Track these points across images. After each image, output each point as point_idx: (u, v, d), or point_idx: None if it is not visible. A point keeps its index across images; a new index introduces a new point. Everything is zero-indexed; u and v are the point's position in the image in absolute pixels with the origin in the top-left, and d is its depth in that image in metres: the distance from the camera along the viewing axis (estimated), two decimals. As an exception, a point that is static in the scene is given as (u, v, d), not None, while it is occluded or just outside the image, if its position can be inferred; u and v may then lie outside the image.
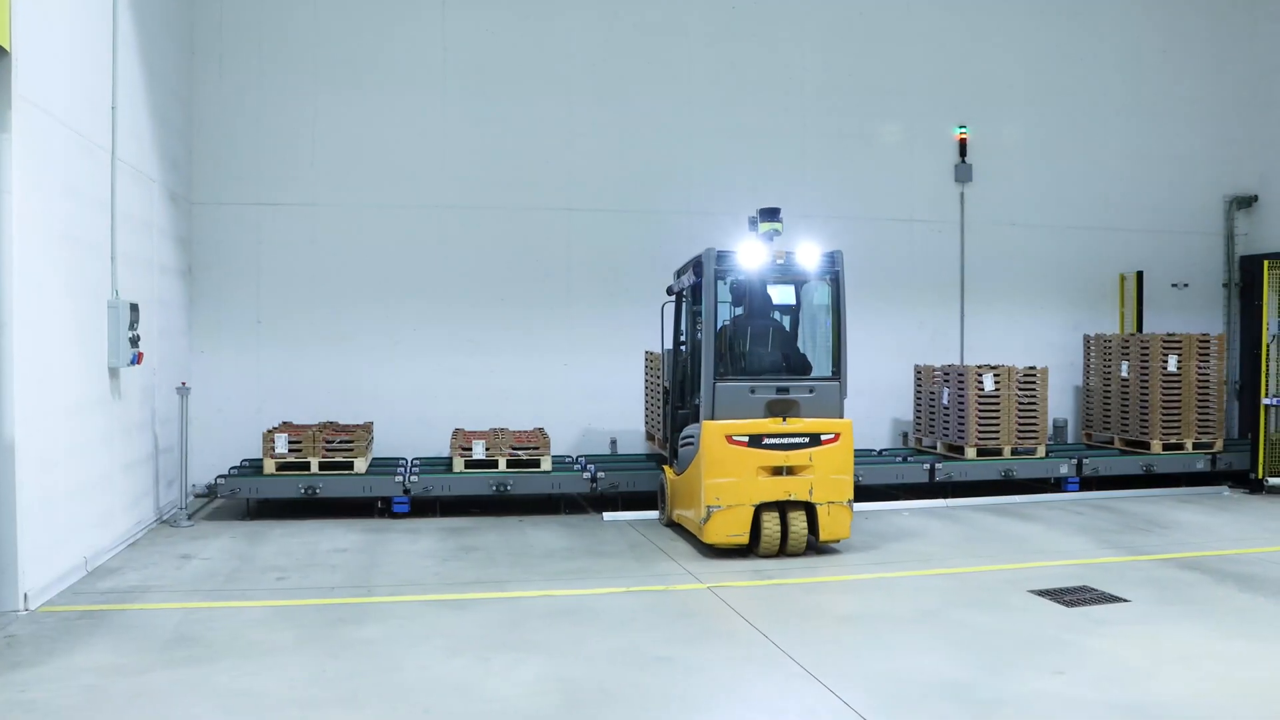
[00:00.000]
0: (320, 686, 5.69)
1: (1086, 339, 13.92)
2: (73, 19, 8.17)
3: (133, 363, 9.02)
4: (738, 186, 13.20)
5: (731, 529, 8.74)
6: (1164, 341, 12.81)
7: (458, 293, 12.58)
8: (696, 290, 9.39)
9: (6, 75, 6.89)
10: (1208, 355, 12.91)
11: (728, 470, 8.76)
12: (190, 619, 6.96)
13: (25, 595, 7.04)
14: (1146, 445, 12.75)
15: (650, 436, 12.09)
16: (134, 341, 8.99)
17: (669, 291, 10.29)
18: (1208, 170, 14.95)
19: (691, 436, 9.25)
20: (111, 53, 8.91)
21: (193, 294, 11.95)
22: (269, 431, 10.89)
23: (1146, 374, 12.86)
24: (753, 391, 8.96)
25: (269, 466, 10.68)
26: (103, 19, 8.82)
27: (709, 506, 8.74)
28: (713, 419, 8.89)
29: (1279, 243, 14.54)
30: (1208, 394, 12.87)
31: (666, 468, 10.14)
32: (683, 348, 10.00)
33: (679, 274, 10.05)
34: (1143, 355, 12.94)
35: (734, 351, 9.28)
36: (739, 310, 9.55)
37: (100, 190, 8.73)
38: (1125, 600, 7.46)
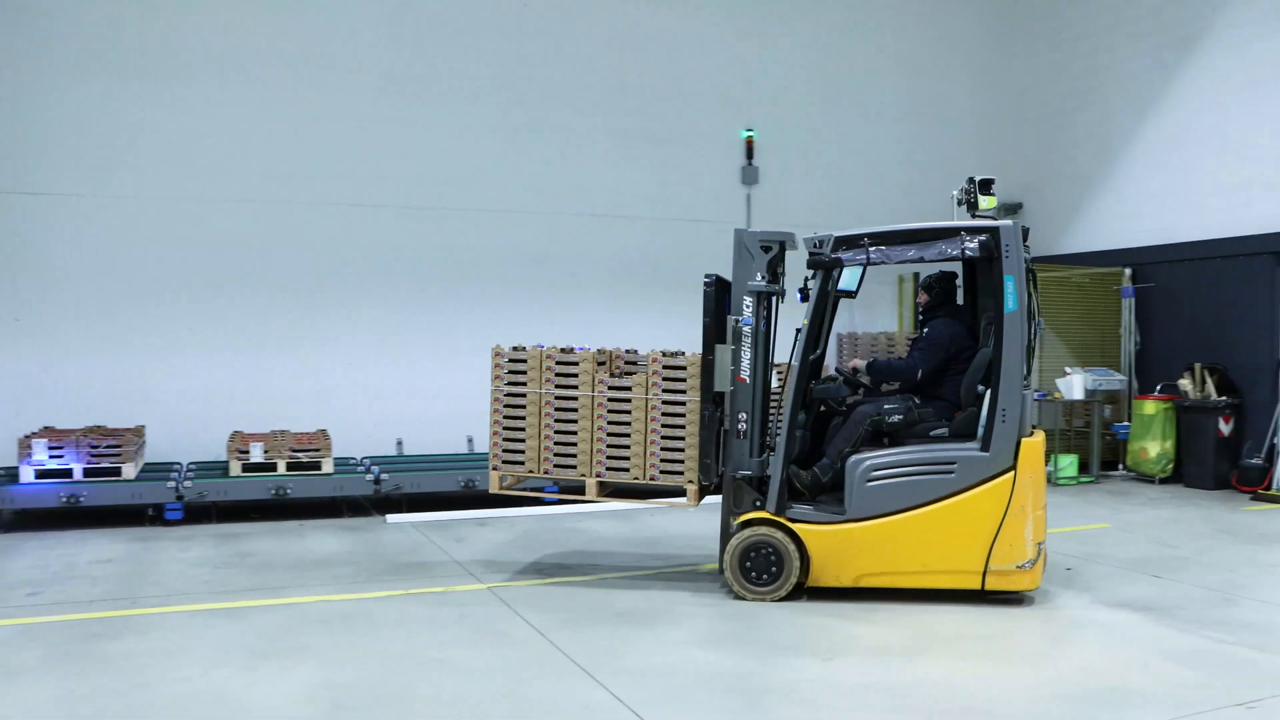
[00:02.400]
0: (64, 709, 5.33)
1: (838, 338, 14.21)
2: None
3: None
4: (528, 186, 13.20)
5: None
6: (910, 340, 13.35)
7: (238, 291, 12.07)
8: (982, 268, 7.80)
9: None
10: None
11: (1039, 503, 7.37)
12: (-77, 641, 6.43)
13: None
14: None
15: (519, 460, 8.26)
16: None
17: (820, 264, 7.55)
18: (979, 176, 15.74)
19: (930, 463, 7.24)
20: None
21: (-59, 289, 11.08)
22: (26, 437, 10.18)
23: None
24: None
25: (26, 474, 9.98)
26: None
27: (1038, 546, 7.27)
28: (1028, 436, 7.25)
29: (1041, 247, 15.45)
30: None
31: (748, 514, 7.42)
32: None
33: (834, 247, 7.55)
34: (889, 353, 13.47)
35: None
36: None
37: None
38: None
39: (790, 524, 7.26)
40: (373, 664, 6.01)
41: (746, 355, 7.41)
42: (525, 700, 5.48)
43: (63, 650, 6.23)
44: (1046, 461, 12.98)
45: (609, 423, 7.66)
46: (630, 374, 7.88)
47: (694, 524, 10.25)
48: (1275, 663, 6.10)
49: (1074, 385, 13.02)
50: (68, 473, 10.05)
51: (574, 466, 7.71)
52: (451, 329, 12.81)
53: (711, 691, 5.60)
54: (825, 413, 7.96)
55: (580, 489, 7.81)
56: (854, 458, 7.37)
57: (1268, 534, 10.02)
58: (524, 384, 7.79)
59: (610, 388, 7.68)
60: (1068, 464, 13.04)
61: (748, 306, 7.42)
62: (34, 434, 10.29)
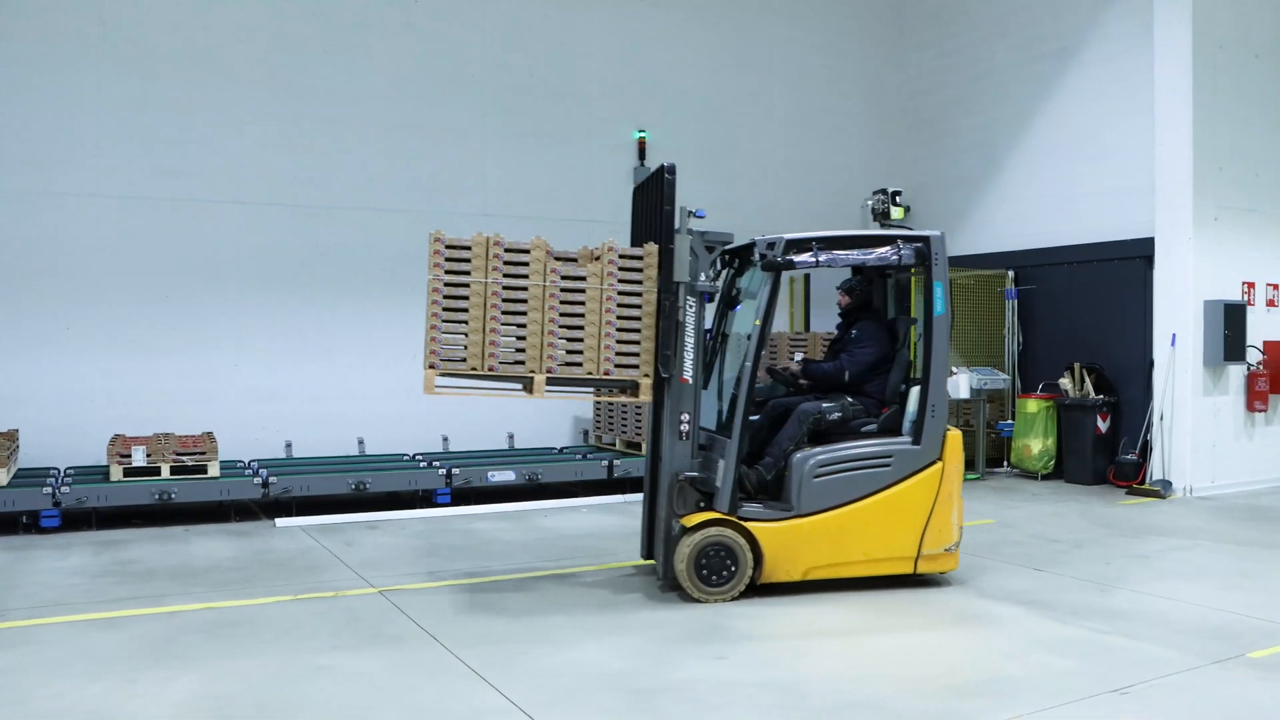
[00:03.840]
0: (-71, 725, 5.12)
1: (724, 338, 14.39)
2: None
3: None
4: (418, 185, 13.07)
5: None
6: (790, 340, 13.50)
7: (117, 290, 11.70)
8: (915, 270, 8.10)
9: None
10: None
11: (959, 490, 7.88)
12: None
13: None
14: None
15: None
16: None
17: (773, 266, 7.58)
18: (868, 181, 16.10)
19: (870, 457, 7.59)
20: None
21: None
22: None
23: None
24: None
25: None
26: None
27: (960, 529, 7.85)
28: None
29: (928, 248, 15.86)
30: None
31: (698, 515, 7.38)
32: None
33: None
34: (772, 354, 13.54)
35: None
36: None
37: None
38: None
39: (743, 523, 7.34)
40: (257, 673, 5.87)
41: (689, 355, 7.40)
42: (416, 706, 5.41)
43: (-73, 665, 5.98)
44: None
45: (561, 314, 7.25)
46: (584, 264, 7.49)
47: (587, 524, 10.28)
48: (1147, 649, 6.33)
49: (960, 384, 13.33)
50: (-66, 480, 9.64)
51: (522, 362, 7.19)
52: (340, 330, 12.61)
53: (602, 691, 5.61)
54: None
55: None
56: (799, 455, 7.56)
57: (1141, 526, 10.41)
58: (467, 273, 7.12)
59: (563, 277, 7.27)
60: (954, 461, 13.34)
61: (690, 306, 7.37)
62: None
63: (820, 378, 8.19)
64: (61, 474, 10.68)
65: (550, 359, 7.24)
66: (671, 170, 7.37)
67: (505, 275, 7.18)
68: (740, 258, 8.19)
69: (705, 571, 7.28)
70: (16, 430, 10.91)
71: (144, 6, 11.91)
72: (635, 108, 14.43)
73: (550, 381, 7.32)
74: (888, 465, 7.61)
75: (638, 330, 7.36)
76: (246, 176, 12.32)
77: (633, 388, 7.48)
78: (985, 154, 15.22)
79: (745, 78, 15.27)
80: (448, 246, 7.13)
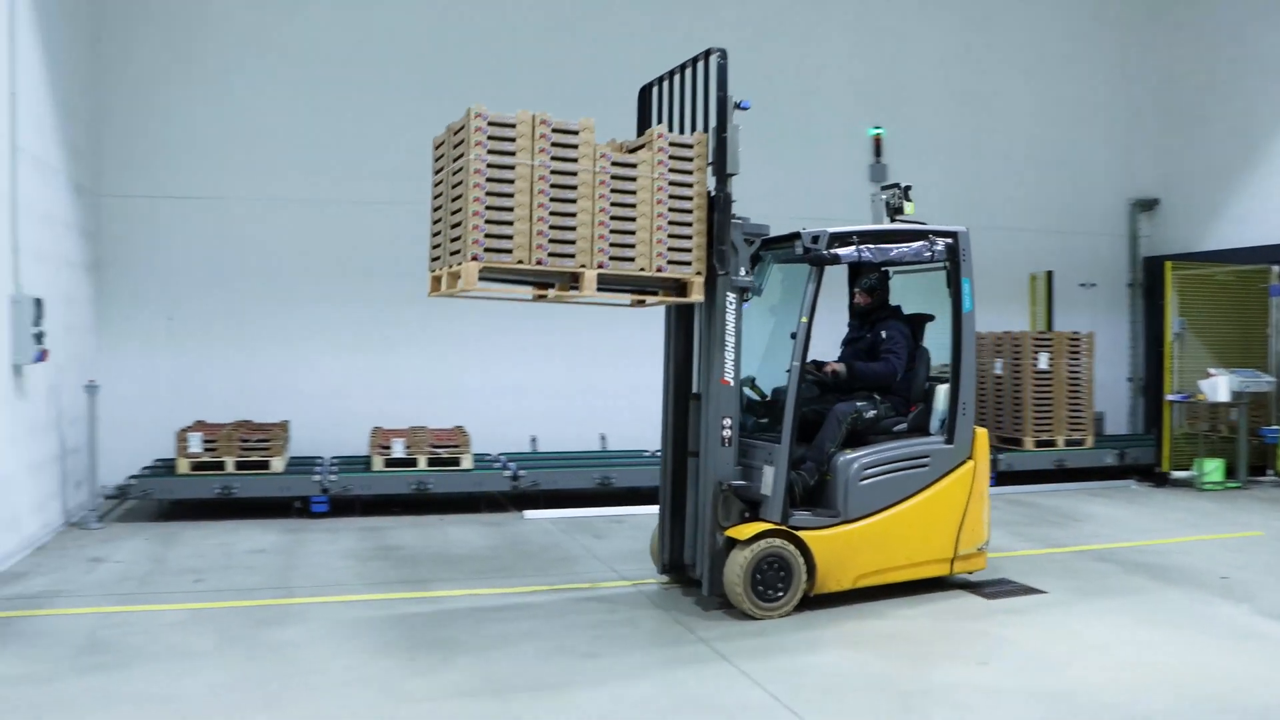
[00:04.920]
0: (245, 692, 5.56)
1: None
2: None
3: (38, 360, 8.71)
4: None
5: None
6: (1034, 339, 13.08)
7: (372, 290, 12.32)
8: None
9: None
10: (1078, 353, 13.22)
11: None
12: (103, 624, 6.74)
13: (-75, 602, 6.78)
14: (1019, 441, 13.01)
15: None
16: (39, 338, 8.69)
17: (818, 260, 7.17)
18: (1112, 174, 15.42)
19: (911, 458, 7.40)
20: (9, 37, 8.59)
21: (101, 289, 11.56)
22: (182, 431, 10.61)
23: (1019, 371, 13.12)
24: None
25: (182, 466, 10.41)
26: None
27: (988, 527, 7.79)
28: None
29: (1180, 244, 15.03)
30: (1079, 391, 13.17)
31: (750, 526, 6.95)
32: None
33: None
34: (1015, 353, 13.20)
35: None
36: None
37: None
38: (1042, 591, 7.62)
39: (796, 532, 6.98)
40: (528, 658, 6.12)
41: (729, 356, 7.01)
42: (687, 698, 5.52)
43: (232, 636, 6.49)
44: (1189, 466, 12.73)
45: (612, 204, 6.63)
46: (635, 150, 6.96)
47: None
48: None
49: (1219, 387, 12.59)
50: (220, 465, 10.43)
51: (572, 255, 6.53)
52: (583, 330, 12.90)
53: (871, 692, 5.58)
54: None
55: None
56: (842, 457, 7.25)
57: None
58: (512, 153, 6.40)
59: (614, 164, 6.65)
60: (1213, 469, 12.60)
61: (730, 304, 6.98)
62: (188, 428, 10.72)
63: (872, 379, 7.70)
64: (327, 463, 11.39)
65: (601, 253, 6.62)
66: (723, 55, 6.92)
67: (553, 159, 6.51)
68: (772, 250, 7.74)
69: (760, 585, 6.85)
70: (288, 421, 11.69)
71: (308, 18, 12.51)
72: (871, 104, 14.21)
73: (599, 281, 6.68)
74: (926, 465, 7.41)
75: (689, 225, 6.84)
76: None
77: (680, 289, 6.95)
78: (1244, 142, 14.26)
79: (983, 72, 14.80)
80: (490, 124, 6.38)
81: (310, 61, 12.26)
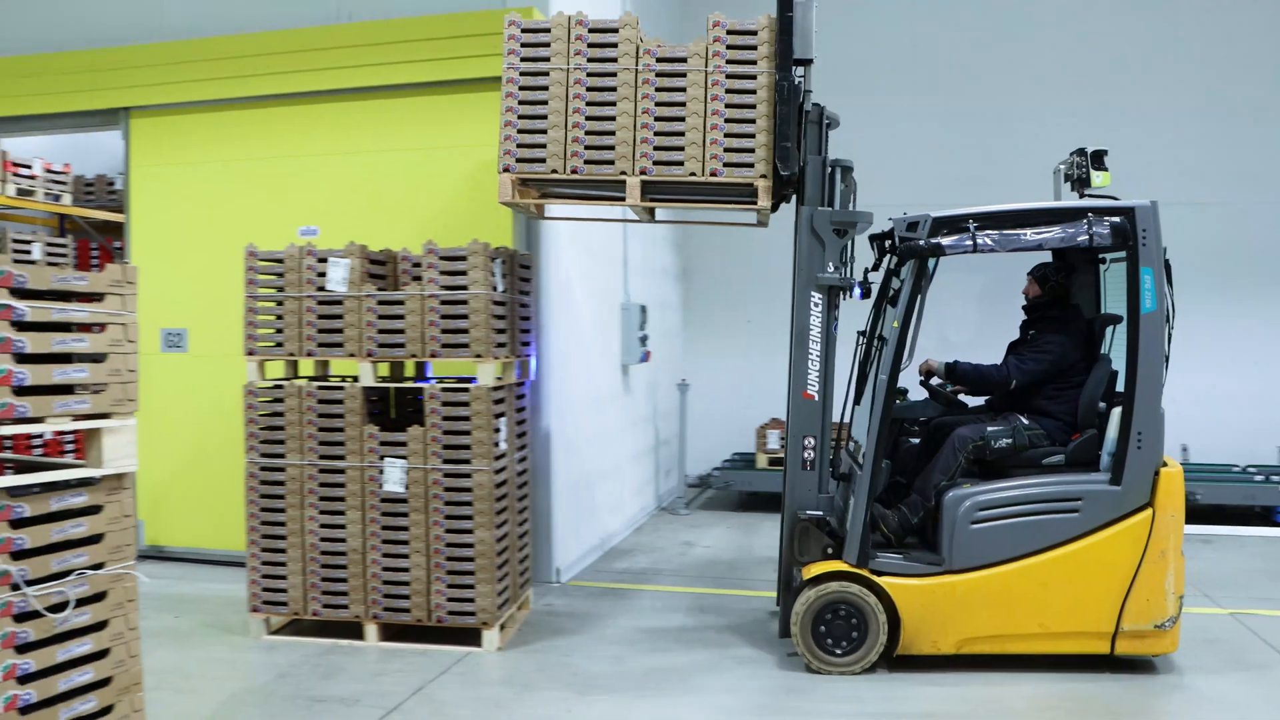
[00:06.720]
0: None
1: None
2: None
3: (642, 360, 9.72)
4: None
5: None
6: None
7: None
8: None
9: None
10: None
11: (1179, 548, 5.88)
12: (700, 604, 7.36)
13: (558, 570, 7.81)
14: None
15: None
16: (643, 341, 9.69)
17: (914, 252, 5.83)
18: None
19: (1050, 499, 5.83)
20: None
21: (686, 295, 12.65)
22: (761, 428, 11.29)
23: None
24: None
25: (761, 461, 11.10)
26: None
27: (1179, 600, 5.85)
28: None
29: None
30: None
31: (819, 565, 5.95)
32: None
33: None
34: None
35: None
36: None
37: (614, 202, 9.46)
38: None
39: (875, 577, 5.83)
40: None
41: (815, 366, 6.00)
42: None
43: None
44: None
45: (656, 104, 6.09)
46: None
47: None
48: None
49: None
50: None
51: (611, 162, 6.07)
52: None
53: None
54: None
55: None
56: (953, 493, 5.89)
57: None
58: (546, 59, 6.15)
59: (659, 59, 6.10)
60: None
61: (816, 304, 5.98)
62: (766, 425, 11.37)
63: (975, 381, 6.32)
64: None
65: (644, 157, 6.04)
66: None
67: (590, 60, 6.12)
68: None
69: (826, 636, 5.83)
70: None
71: (952, 26, 12.32)
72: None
73: (648, 190, 6.11)
74: (1075, 511, 5.78)
75: (752, 121, 5.98)
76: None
77: (749, 197, 6.06)
78: None
79: None
80: (524, 30, 6.19)
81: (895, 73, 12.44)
